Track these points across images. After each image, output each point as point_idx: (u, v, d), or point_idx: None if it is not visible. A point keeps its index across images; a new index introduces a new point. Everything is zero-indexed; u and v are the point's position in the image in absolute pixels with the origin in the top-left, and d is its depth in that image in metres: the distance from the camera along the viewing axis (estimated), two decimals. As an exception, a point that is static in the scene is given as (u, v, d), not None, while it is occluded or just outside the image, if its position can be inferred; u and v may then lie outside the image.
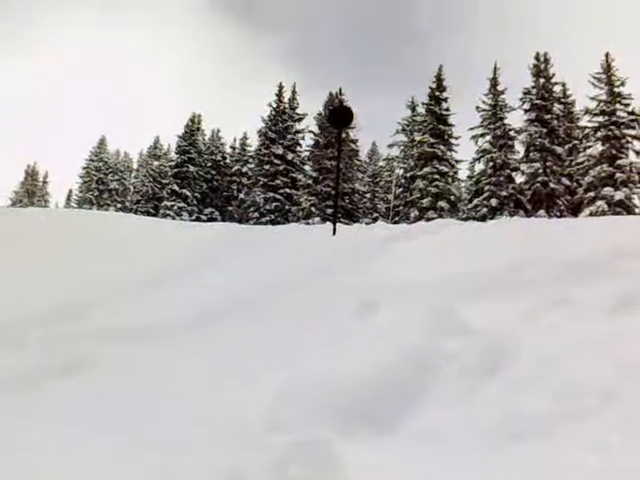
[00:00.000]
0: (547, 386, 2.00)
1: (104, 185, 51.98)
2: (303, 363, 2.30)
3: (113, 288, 5.80)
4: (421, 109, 36.96)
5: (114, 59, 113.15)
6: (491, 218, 26.59)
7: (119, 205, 50.42)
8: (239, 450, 1.66)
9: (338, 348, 2.42)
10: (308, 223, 29.25)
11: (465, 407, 2.04)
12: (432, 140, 33.70)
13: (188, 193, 41.70)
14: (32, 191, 56.99)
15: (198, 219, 38.50)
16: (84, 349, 2.73)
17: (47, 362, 2.61)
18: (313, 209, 35.58)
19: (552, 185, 30.30)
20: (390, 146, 39.79)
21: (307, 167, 39.12)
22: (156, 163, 49.74)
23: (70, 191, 57.57)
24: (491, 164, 32.24)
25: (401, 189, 36.31)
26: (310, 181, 37.29)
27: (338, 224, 10.18)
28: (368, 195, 42.16)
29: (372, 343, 2.46)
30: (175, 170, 42.76)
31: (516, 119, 33.60)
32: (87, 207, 46.46)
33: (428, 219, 26.51)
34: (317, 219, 33.40)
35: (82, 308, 4.84)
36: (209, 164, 44.40)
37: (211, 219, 38.89)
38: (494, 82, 33.94)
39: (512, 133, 33.02)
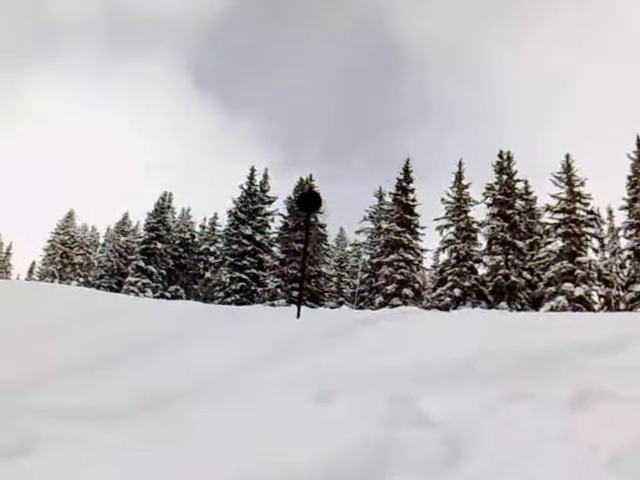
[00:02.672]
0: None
1: (68, 259, 51.19)
2: (259, 451, 2.24)
3: (69, 365, 5.62)
4: (388, 198, 37.89)
5: (86, 133, 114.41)
6: (454, 308, 26.83)
7: (82, 279, 49.51)
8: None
9: (295, 436, 2.37)
10: (273, 305, 29.05)
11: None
12: (398, 228, 34.34)
13: (154, 269, 41.23)
14: (-6, 262, 55.79)
15: (162, 296, 37.90)
16: (32, 427, 2.62)
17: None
18: (279, 291, 35.41)
19: (513, 278, 30.86)
20: (357, 232, 40.37)
21: (275, 249, 39.21)
22: (123, 239, 49.40)
23: (33, 263, 56.52)
24: (455, 254, 32.84)
25: (367, 275, 36.54)
26: (277, 263, 37.30)
27: (303, 307, 10.14)
28: (334, 279, 42.29)
29: (330, 432, 2.42)
30: (142, 246, 42.42)
31: (479, 212, 34.65)
32: (49, 280, 45.53)
33: (392, 306, 26.60)
34: (282, 301, 33.19)
35: (34, 385, 4.66)
36: (177, 242, 44.25)
37: (175, 297, 38.32)
38: (459, 176, 35.13)
39: (475, 226, 33.89)
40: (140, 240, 44.09)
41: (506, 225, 32.43)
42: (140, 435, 2.47)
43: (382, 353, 4.82)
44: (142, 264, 41.11)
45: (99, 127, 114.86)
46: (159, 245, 42.03)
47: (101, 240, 56.34)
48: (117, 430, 2.58)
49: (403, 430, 2.44)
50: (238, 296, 35.76)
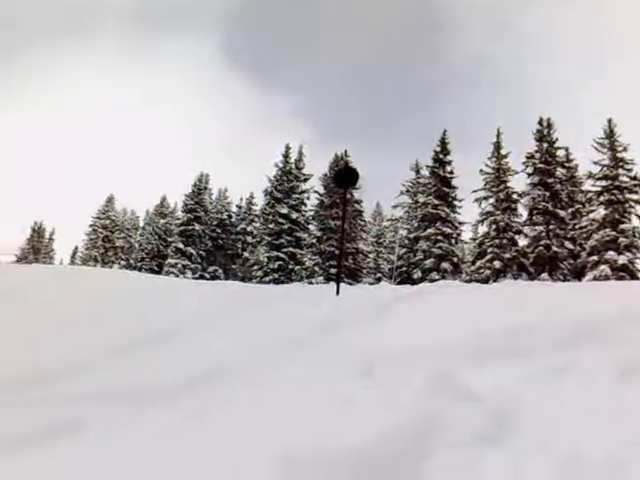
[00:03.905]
0: (551, 457, 1.95)
1: (110, 243, 52.25)
2: (303, 430, 2.24)
3: (108, 349, 5.75)
4: (425, 171, 37.51)
5: (123, 117, 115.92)
6: (494, 280, 26.50)
7: (123, 262, 50.53)
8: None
9: (339, 414, 2.37)
10: (311, 282, 29.22)
11: (469, 476, 1.98)
12: (436, 202, 33.99)
13: (193, 251, 41.83)
14: (38, 248, 57.28)
15: (202, 277, 38.48)
16: (76, 410, 2.69)
17: (42, 423, 2.56)
18: (317, 268, 35.55)
19: (555, 248, 30.28)
20: (394, 207, 40.24)
21: (311, 226, 39.30)
22: (162, 221, 50.17)
23: (75, 248, 57.94)
24: (494, 226, 32.37)
25: (404, 250, 36.37)
26: (314, 240, 37.41)
27: (341, 284, 10.16)
28: (372, 255, 42.22)
29: (373, 409, 2.40)
30: (181, 228, 43.04)
31: (519, 182, 33.96)
32: (92, 264, 46.61)
33: (431, 280, 26.45)
34: (320, 278, 33.35)
35: (76, 369, 4.78)
36: (215, 222, 44.74)
37: (214, 277, 38.87)
38: (497, 146, 34.47)
39: (515, 196, 33.26)
40: (178, 222, 44.71)
41: (547, 194, 31.73)
42: (184, 414, 2.50)
43: (423, 328, 4.78)
44: (181, 246, 41.76)
45: (134, 109, 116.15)
46: (197, 226, 42.58)
47: (141, 223, 57.33)
48: (165, 412, 2.62)
49: (448, 406, 2.42)
50: (276, 275, 36.03)
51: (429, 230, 33.35)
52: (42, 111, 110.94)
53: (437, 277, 29.05)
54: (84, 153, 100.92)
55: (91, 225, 53.31)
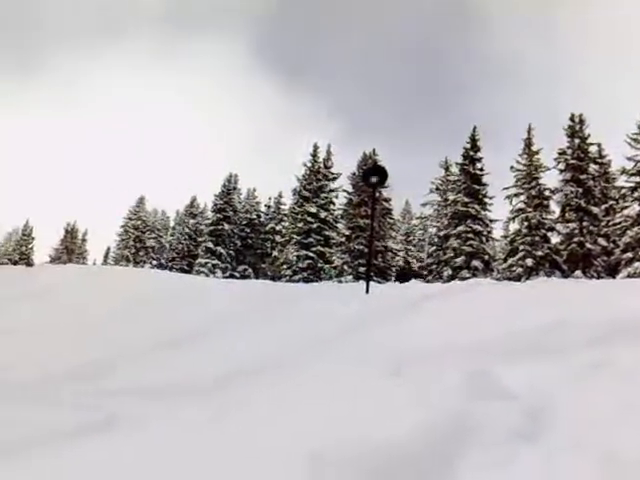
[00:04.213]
0: (586, 455, 1.91)
1: (141, 243, 53.00)
2: (334, 426, 2.23)
3: (139, 348, 5.82)
4: (455, 169, 37.19)
5: (153, 118, 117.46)
6: (526, 278, 26.14)
7: (155, 262, 51.23)
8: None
9: (370, 411, 2.36)
10: (340, 281, 29.18)
11: (504, 475, 1.96)
12: (466, 199, 33.66)
13: (222, 251, 42.21)
14: (71, 248, 58.36)
15: (232, 276, 38.77)
16: (112, 407, 2.72)
17: (76, 419, 2.60)
18: (346, 267, 35.53)
19: (588, 245, 29.75)
20: (423, 205, 40.06)
21: (340, 225, 39.30)
22: (192, 221, 50.74)
23: (108, 248, 58.92)
24: (526, 224, 31.91)
25: (434, 248, 36.13)
26: (343, 239, 37.40)
27: (371, 282, 10.13)
28: (401, 253, 42.04)
29: (404, 407, 2.39)
30: (211, 228, 43.49)
31: (551, 179, 33.41)
32: (124, 264, 47.33)
33: (462, 278, 26.21)
34: (349, 277, 33.30)
35: (105, 368, 4.85)
36: (244, 222, 45.07)
37: (244, 276, 39.13)
38: (528, 142, 33.98)
39: (547, 193, 32.74)
40: (208, 222, 45.20)
41: (580, 191, 31.18)
42: (213, 412, 2.52)
43: (455, 327, 4.74)
44: (211, 245, 42.18)
45: (164, 110, 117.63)
46: (226, 226, 42.96)
47: (171, 223, 58.04)
48: (197, 409, 2.64)
49: (482, 404, 2.39)
50: (305, 274, 36.09)
51: (459, 228, 33.05)
52: (74, 113, 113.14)
53: (468, 275, 28.77)
54: (115, 154, 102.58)
55: (122, 226, 54.15)
